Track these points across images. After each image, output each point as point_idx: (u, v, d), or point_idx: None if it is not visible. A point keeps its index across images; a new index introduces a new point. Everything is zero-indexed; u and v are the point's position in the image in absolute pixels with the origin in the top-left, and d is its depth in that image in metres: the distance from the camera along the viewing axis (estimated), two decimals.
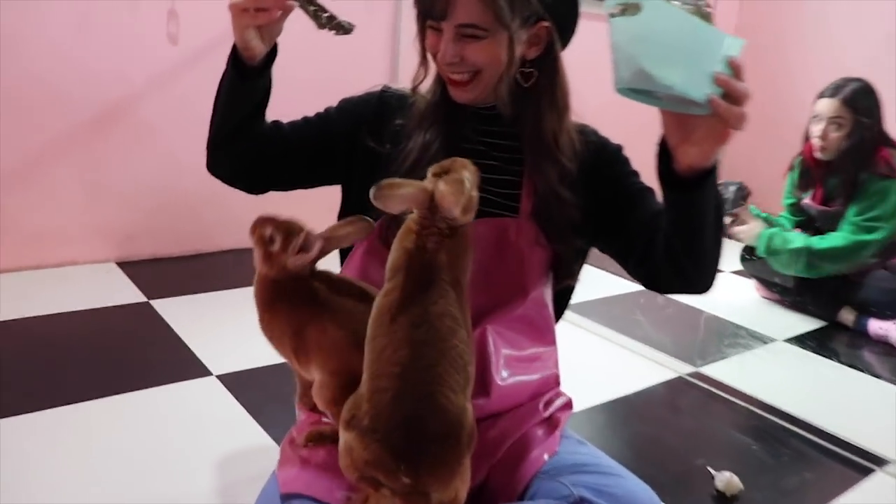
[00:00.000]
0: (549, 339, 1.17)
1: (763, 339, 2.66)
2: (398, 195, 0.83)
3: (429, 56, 1.07)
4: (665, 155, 0.93)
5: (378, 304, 0.85)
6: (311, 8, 0.98)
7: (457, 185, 0.81)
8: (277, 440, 1.69)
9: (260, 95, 1.06)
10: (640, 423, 2.00)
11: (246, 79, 1.02)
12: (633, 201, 1.11)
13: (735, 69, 0.78)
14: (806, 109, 2.81)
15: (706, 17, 0.76)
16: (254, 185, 1.16)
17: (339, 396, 0.91)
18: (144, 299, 2.46)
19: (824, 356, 2.55)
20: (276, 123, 1.13)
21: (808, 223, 2.90)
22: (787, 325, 2.83)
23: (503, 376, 1.08)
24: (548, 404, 1.14)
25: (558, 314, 1.23)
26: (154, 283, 2.61)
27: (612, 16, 0.78)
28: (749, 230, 2.88)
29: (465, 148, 1.07)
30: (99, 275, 2.66)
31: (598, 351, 2.43)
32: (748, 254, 3.05)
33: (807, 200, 2.90)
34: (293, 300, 0.96)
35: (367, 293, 0.97)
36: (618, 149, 1.16)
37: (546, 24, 1.03)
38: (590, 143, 1.13)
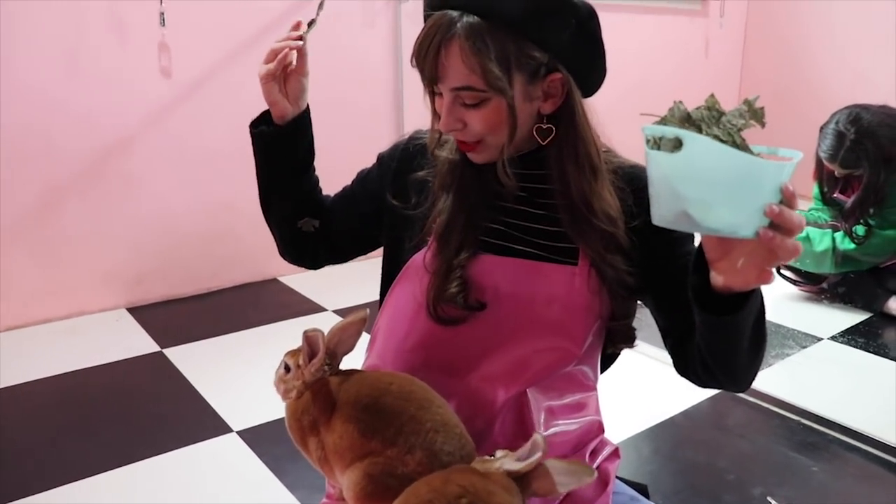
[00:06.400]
0: (590, 385, 1.07)
1: (807, 339, 2.52)
2: None
3: None
4: (700, 263, 0.80)
5: None
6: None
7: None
8: (303, 502, 1.61)
9: (295, 156, 1.08)
10: (689, 449, 1.88)
11: (274, 136, 1.06)
12: (682, 277, 0.99)
13: (787, 198, 0.69)
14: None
15: (743, 146, 0.67)
16: (316, 263, 1.19)
17: (360, 492, 0.83)
18: (157, 348, 2.36)
19: (875, 352, 2.41)
20: (332, 205, 1.14)
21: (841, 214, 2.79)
22: (830, 320, 2.69)
23: (545, 428, 0.99)
24: (594, 455, 1.05)
25: (603, 367, 1.12)
26: (167, 328, 2.52)
27: (650, 146, 0.68)
28: None
29: (501, 207, 1.00)
30: (109, 324, 2.57)
31: (630, 367, 2.28)
32: None
33: (838, 194, 2.77)
34: (312, 408, 0.88)
35: (376, 380, 0.89)
36: None
37: (559, 75, 0.92)
38: (626, 191, 0.99)
